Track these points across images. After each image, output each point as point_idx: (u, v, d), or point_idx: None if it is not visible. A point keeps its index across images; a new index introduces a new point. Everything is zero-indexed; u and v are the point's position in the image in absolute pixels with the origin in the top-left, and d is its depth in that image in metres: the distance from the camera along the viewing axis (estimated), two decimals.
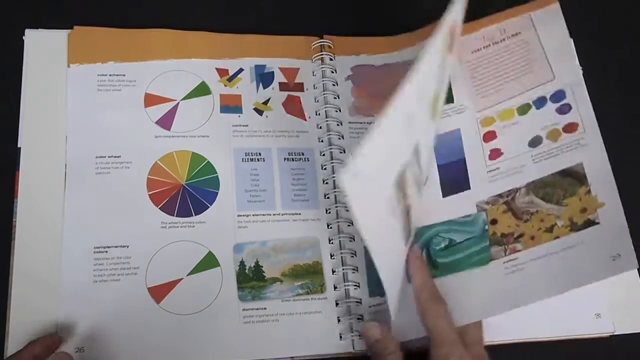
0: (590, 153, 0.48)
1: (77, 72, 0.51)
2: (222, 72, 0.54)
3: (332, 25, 0.58)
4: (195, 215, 0.49)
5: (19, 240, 0.46)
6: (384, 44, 0.58)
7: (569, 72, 0.52)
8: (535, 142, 0.50)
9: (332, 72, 0.56)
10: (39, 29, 0.52)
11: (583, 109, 0.50)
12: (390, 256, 0.43)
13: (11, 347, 0.44)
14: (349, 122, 0.54)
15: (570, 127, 0.50)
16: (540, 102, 0.51)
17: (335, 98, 0.55)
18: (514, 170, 0.50)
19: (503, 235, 0.48)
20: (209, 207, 0.50)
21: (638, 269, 0.53)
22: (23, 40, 0.52)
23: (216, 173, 0.51)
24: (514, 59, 0.54)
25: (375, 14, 0.61)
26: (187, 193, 0.50)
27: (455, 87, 0.54)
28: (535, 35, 0.53)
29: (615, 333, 0.50)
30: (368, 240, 0.37)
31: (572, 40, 0.58)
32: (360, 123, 0.55)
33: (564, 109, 0.51)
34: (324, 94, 0.55)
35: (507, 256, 0.47)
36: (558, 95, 0.51)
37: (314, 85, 0.56)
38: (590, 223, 0.47)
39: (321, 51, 0.56)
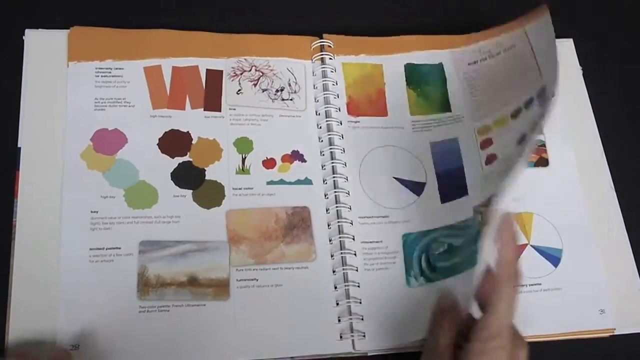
0: None
1: (75, 70, 0.51)
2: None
3: (332, 25, 0.58)
4: None
5: (19, 240, 0.46)
6: (384, 44, 0.58)
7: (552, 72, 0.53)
8: (522, 139, 0.50)
9: (332, 72, 0.56)
10: (39, 29, 0.52)
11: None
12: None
13: (11, 346, 0.43)
14: (349, 122, 0.54)
15: None
16: (528, 103, 0.51)
17: (335, 98, 0.55)
18: (506, 169, 0.50)
19: None
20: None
21: (638, 269, 0.53)
22: (23, 40, 0.52)
23: None
24: (509, 71, 0.55)
25: (375, 14, 0.61)
26: None
27: (452, 97, 0.56)
28: (528, 47, 0.54)
29: (616, 333, 0.50)
30: None
31: (567, 44, 0.59)
32: (360, 122, 0.55)
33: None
34: (324, 93, 0.55)
35: None
36: (540, 92, 0.51)
37: (314, 85, 0.55)
38: None
39: (321, 51, 0.56)
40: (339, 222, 0.51)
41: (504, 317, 0.40)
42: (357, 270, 0.50)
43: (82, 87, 0.51)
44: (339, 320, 0.48)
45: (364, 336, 0.48)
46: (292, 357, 0.47)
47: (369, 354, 0.48)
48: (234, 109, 0.53)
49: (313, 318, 0.48)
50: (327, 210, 0.51)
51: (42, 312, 0.45)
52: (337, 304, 0.49)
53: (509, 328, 0.40)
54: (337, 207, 0.51)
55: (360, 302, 0.49)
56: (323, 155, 0.53)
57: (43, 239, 0.47)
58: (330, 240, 0.50)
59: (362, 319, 0.48)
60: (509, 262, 0.41)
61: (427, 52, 0.58)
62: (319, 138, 0.54)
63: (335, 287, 0.49)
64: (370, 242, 0.51)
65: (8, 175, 0.48)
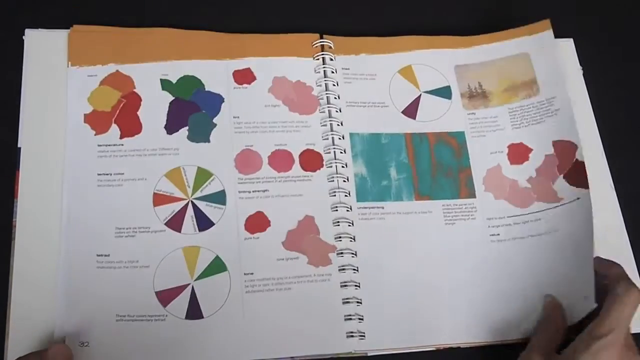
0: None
1: (76, 74, 0.51)
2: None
3: (332, 25, 0.58)
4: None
5: (19, 241, 0.46)
6: (384, 44, 0.58)
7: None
8: None
9: (333, 72, 0.56)
10: (39, 29, 0.52)
11: None
12: None
13: (11, 346, 0.43)
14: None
15: None
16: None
17: (335, 98, 0.55)
18: None
19: None
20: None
21: (638, 269, 0.53)
22: (23, 40, 0.52)
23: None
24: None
25: (376, 14, 0.61)
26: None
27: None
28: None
29: None
30: None
31: (567, 44, 0.59)
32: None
33: None
34: (325, 93, 0.55)
35: None
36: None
37: (318, 83, 0.55)
38: None
39: (321, 51, 0.56)
40: (339, 222, 0.51)
41: (617, 317, 0.42)
42: (357, 271, 0.50)
43: (83, 91, 0.51)
44: (342, 320, 0.48)
45: (364, 336, 0.48)
46: (292, 357, 0.47)
47: (369, 354, 0.48)
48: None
49: (314, 318, 0.48)
50: (332, 209, 0.51)
51: (42, 312, 0.45)
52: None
53: (622, 328, 0.41)
54: (340, 207, 0.51)
55: (360, 303, 0.49)
56: (327, 153, 0.53)
57: (43, 239, 0.46)
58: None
59: (362, 319, 0.48)
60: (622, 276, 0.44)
61: (427, 52, 0.58)
62: (322, 137, 0.54)
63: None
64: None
65: (8, 175, 0.48)
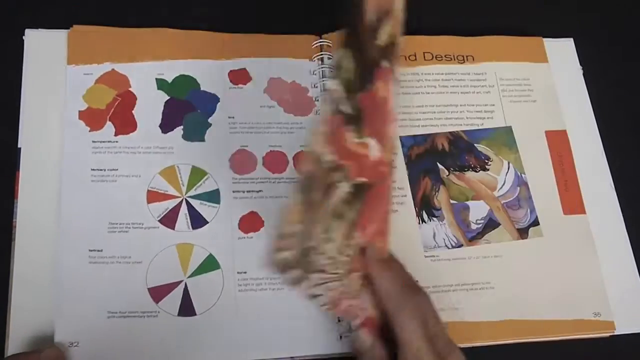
0: None
1: (73, 73, 0.51)
2: None
3: (332, 25, 0.58)
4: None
5: (19, 241, 0.46)
6: None
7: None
8: None
9: (332, 72, 0.56)
10: (39, 29, 0.52)
11: None
12: None
13: (12, 346, 0.44)
14: None
15: None
16: None
17: None
18: None
19: None
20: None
21: (638, 269, 0.53)
22: (23, 40, 0.52)
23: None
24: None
25: None
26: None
27: None
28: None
29: (616, 333, 0.50)
30: None
31: (567, 44, 0.59)
32: None
33: None
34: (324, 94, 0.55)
35: None
36: None
37: (313, 85, 0.55)
38: None
39: (321, 51, 0.56)
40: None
41: (414, 346, 0.38)
42: None
43: (78, 88, 0.51)
44: (339, 320, 0.48)
45: None
46: (292, 357, 0.47)
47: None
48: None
49: (307, 318, 0.48)
50: None
51: (42, 312, 0.45)
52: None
53: (425, 352, 0.38)
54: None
55: None
56: None
57: (43, 240, 0.47)
58: None
59: None
60: (389, 290, 0.40)
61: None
62: None
63: None
64: None
65: (8, 175, 0.48)
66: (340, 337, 0.47)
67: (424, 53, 0.58)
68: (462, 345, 0.47)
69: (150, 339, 0.45)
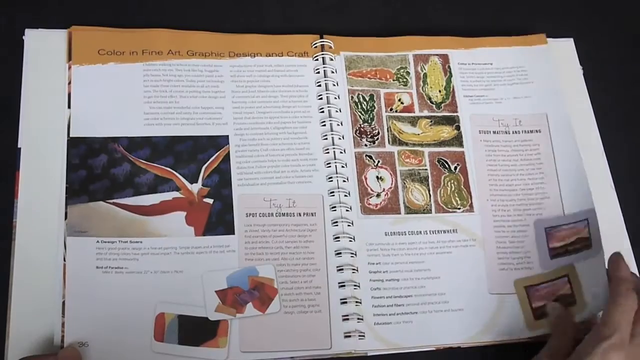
0: None
1: (78, 73, 0.51)
2: None
3: (332, 25, 0.58)
4: None
5: (19, 241, 0.46)
6: (383, 44, 0.58)
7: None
8: None
9: (333, 72, 0.56)
10: (39, 29, 0.52)
11: None
12: None
13: (12, 346, 0.44)
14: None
15: None
16: None
17: (335, 98, 0.55)
18: None
19: None
20: None
21: (638, 268, 0.53)
22: (23, 40, 0.52)
23: None
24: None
25: (376, 14, 0.61)
26: None
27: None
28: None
29: None
30: None
31: (567, 44, 0.59)
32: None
33: None
34: (325, 93, 0.55)
35: None
36: None
37: (317, 83, 0.55)
38: None
39: (321, 51, 0.56)
40: (341, 222, 0.51)
41: (618, 319, 0.42)
42: (357, 271, 0.50)
43: (86, 89, 0.51)
44: (340, 320, 0.48)
45: (364, 336, 0.48)
46: (292, 357, 0.47)
47: (368, 354, 0.48)
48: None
49: (314, 317, 0.48)
50: (331, 208, 0.51)
51: (42, 312, 0.45)
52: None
53: (624, 329, 0.41)
54: (340, 206, 0.51)
55: (360, 302, 0.49)
56: (327, 153, 0.53)
57: (43, 240, 0.47)
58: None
59: (362, 319, 0.48)
60: (625, 279, 0.44)
61: (427, 52, 0.58)
62: (322, 136, 0.54)
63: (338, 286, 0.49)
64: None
65: (8, 175, 0.48)
66: (342, 336, 0.47)
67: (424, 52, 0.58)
68: (463, 346, 0.48)
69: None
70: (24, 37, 0.52)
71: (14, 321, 0.44)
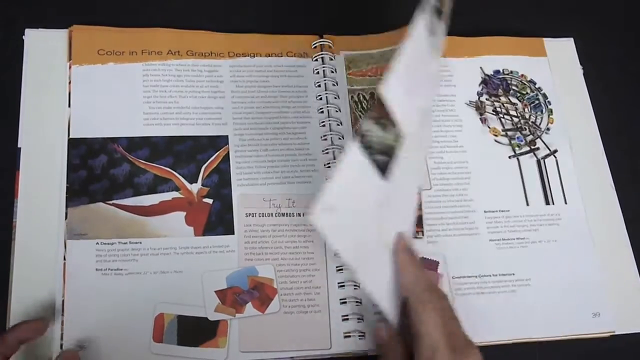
0: None
1: (78, 73, 0.51)
2: None
3: (332, 25, 0.58)
4: None
5: (19, 241, 0.46)
6: (383, 41, 0.58)
7: None
8: None
9: (332, 71, 0.56)
10: (39, 29, 0.52)
11: None
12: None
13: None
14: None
15: None
16: None
17: (335, 98, 0.55)
18: None
19: None
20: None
21: (638, 268, 0.53)
22: (23, 40, 0.52)
23: None
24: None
25: (376, 14, 0.61)
26: None
27: None
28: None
29: (616, 333, 0.50)
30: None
31: (568, 44, 0.59)
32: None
33: None
34: (325, 93, 0.55)
35: None
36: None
37: (316, 84, 0.55)
38: None
39: (321, 50, 0.56)
40: None
41: (432, 339, 0.39)
42: None
43: (85, 90, 0.51)
44: (340, 320, 0.48)
45: (364, 336, 0.48)
46: (292, 357, 0.47)
47: (368, 354, 0.48)
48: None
49: (314, 317, 0.48)
50: None
51: (42, 312, 0.45)
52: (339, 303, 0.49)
53: (443, 346, 0.39)
54: None
55: (361, 302, 0.49)
56: (326, 153, 0.53)
57: (43, 240, 0.47)
58: None
59: (362, 319, 0.48)
60: (414, 284, 0.41)
61: None
62: (322, 137, 0.54)
63: (338, 286, 0.49)
64: None
65: (8, 175, 0.48)
66: (342, 336, 0.47)
67: None
68: None
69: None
70: (24, 37, 0.52)
71: (14, 320, 0.44)
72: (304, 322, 0.48)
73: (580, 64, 0.60)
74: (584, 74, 0.59)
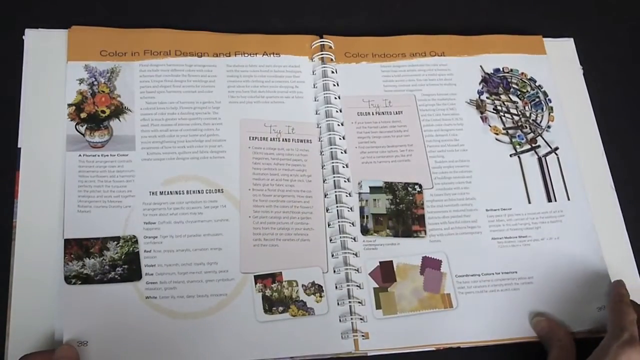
0: None
1: (75, 70, 0.51)
2: None
3: (332, 25, 0.58)
4: None
5: (19, 241, 0.46)
6: (384, 44, 0.58)
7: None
8: None
9: (333, 72, 0.56)
10: (39, 29, 0.52)
11: None
12: None
13: (12, 347, 0.44)
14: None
15: None
16: None
17: (335, 98, 0.55)
18: None
19: None
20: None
21: (638, 268, 0.53)
22: (23, 40, 0.52)
23: None
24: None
25: (376, 14, 0.61)
26: None
27: None
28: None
29: None
30: None
31: (568, 44, 0.59)
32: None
33: None
34: (324, 93, 0.55)
35: None
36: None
37: (314, 85, 0.55)
38: None
39: (321, 51, 0.56)
40: (339, 221, 0.51)
41: (625, 321, 0.44)
42: (359, 271, 0.50)
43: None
44: (340, 320, 0.48)
45: (364, 336, 0.47)
46: (292, 357, 0.46)
47: (369, 354, 0.47)
48: None
49: (314, 318, 0.48)
50: (327, 210, 0.51)
51: (42, 312, 0.45)
52: (339, 303, 0.48)
53: (632, 328, 0.44)
54: (337, 207, 0.51)
55: (362, 303, 0.49)
56: (323, 154, 0.53)
57: (43, 240, 0.46)
58: (331, 240, 0.50)
59: (362, 319, 0.48)
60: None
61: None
62: (319, 138, 0.54)
63: (337, 287, 0.49)
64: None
65: (8, 175, 0.48)
66: (342, 336, 0.47)
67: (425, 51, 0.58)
68: (463, 346, 0.48)
69: (159, 340, 0.45)
70: (24, 37, 0.52)
71: (14, 320, 0.44)
72: (304, 322, 0.47)
73: (580, 64, 0.60)
74: (584, 74, 0.59)
